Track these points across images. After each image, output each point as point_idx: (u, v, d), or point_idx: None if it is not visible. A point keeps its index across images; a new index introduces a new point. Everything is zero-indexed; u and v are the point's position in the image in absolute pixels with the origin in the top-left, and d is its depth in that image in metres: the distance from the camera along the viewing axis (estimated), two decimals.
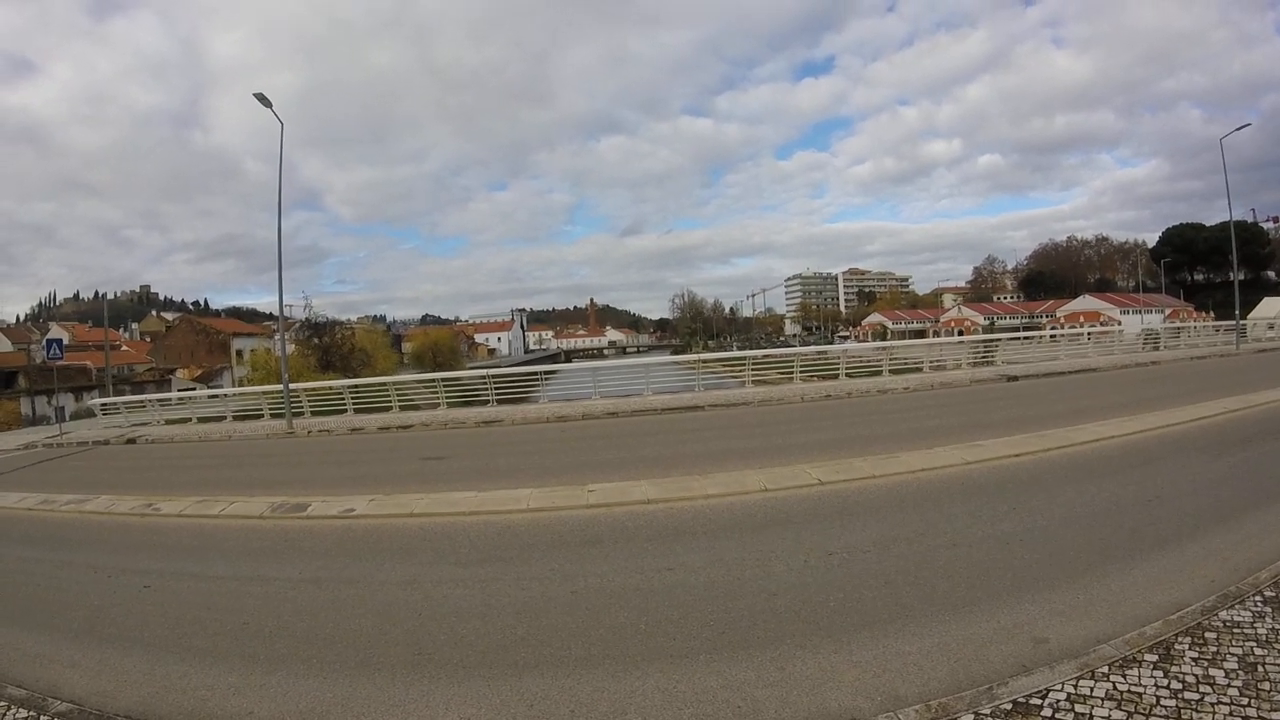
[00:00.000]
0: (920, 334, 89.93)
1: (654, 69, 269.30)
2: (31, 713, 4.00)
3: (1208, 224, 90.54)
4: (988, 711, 3.32)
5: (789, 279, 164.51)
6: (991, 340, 25.96)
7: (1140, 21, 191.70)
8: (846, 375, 20.95)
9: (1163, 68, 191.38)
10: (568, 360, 77.32)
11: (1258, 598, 4.25)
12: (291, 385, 20.44)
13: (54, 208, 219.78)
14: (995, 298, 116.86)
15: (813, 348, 31.61)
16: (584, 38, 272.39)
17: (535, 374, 23.10)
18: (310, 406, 21.14)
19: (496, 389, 20.45)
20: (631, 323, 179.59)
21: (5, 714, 4.02)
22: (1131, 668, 3.57)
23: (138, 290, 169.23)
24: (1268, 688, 3.31)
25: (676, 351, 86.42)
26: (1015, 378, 18.74)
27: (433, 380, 22.01)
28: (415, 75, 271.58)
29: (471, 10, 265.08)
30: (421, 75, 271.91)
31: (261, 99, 18.28)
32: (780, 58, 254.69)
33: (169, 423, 22.54)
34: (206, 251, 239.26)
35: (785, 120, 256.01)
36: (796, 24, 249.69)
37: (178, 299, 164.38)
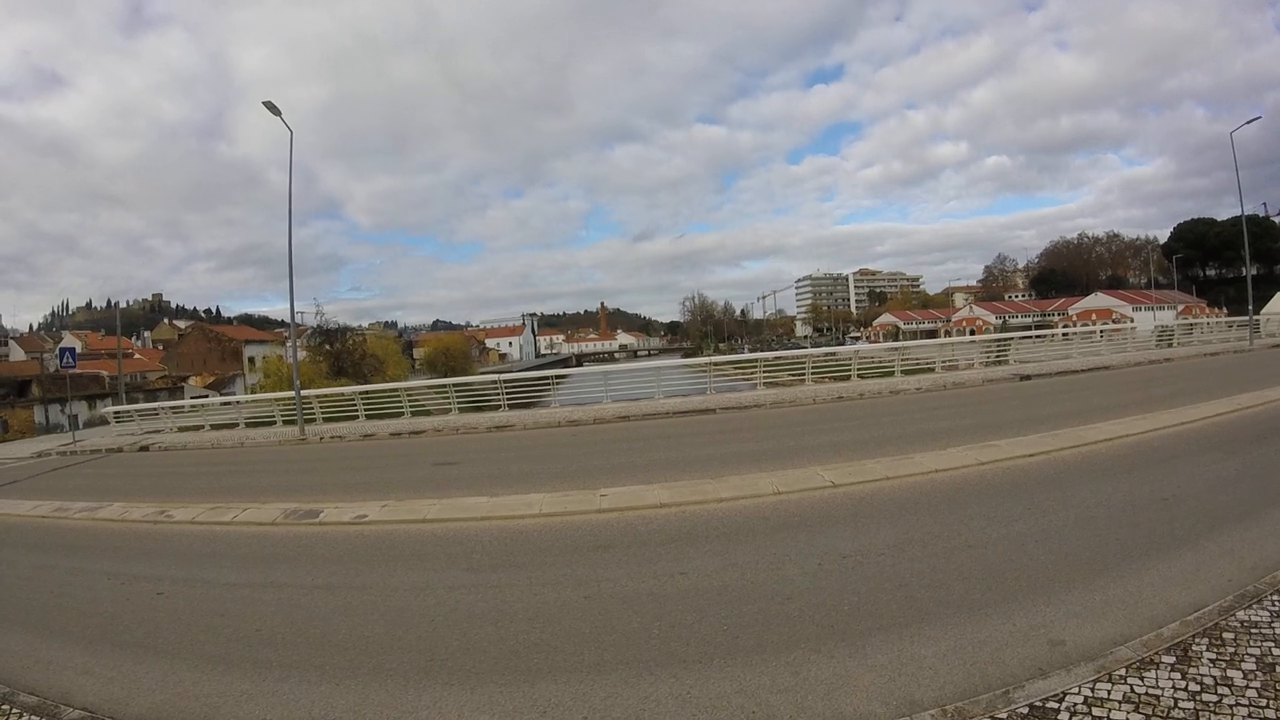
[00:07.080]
0: (932, 334, 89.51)
1: (669, 79, 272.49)
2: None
3: (1219, 219, 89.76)
4: (1004, 716, 3.28)
5: (799, 280, 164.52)
6: (1004, 339, 25.73)
7: (1141, 24, 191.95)
8: (858, 376, 20.83)
9: (1165, 68, 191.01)
10: (579, 364, 77.49)
11: (1275, 597, 4.19)
12: (303, 392, 20.54)
13: (78, 218, 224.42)
14: (1007, 296, 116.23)
15: (822, 349, 31.49)
16: (602, 50, 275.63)
17: (546, 378, 23.10)
18: (322, 413, 21.30)
19: (508, 394, 20.51)
20: (642, 326, 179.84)
21: None
22: (1149, 670, 3.53)
23: (150, 298, 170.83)
24: None
25: (688, 354, 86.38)
26: (1028, 377, 18.60)
27: (444, 386, 22.07)
28: (437, 87, 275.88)
29: (494, 24, 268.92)
30: (443, 87, 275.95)
31: (270, 107, 18.44)
32: (792, 66, 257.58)
33: (182, 430, 22.72)
34: (228, 260, 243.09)
35: (796, 126, 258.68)
36: (808, 34, 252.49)
37: (190, 306, 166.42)
